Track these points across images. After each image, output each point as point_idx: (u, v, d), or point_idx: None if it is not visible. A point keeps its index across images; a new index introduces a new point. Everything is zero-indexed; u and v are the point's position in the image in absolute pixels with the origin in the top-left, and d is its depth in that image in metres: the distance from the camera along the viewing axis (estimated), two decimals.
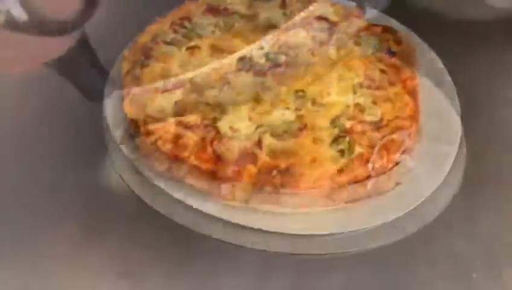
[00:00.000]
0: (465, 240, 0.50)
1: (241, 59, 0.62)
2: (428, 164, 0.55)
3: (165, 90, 0.58)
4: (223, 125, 0.55)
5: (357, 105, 0.57)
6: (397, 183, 0.53)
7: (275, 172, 0.51)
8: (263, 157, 0.52)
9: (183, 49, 0.63)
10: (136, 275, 0.48)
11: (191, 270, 0.48)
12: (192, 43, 0.64)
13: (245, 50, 0.63)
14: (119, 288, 0.47)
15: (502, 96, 0.64)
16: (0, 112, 0.61)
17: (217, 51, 0.63)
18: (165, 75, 0.59)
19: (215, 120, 0.56)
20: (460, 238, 0.50)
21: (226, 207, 0.51)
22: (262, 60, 0.62)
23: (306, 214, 0.51)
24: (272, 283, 0.47)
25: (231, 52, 0.62)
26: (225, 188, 0.51)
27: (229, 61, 0.61)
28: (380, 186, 0.53)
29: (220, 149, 0.53)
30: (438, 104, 0.60)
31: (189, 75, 0.59)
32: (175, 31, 0.66)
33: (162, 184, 0.53)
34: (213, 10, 0.68)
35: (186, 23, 0.67)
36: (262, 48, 0.63)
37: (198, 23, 0.66)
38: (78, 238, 0.50)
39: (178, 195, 0.52)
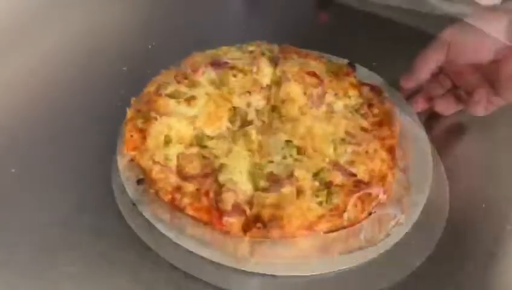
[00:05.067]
0: None
1: (234, 110, 0.69)
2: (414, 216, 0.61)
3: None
4: (224, 177, 0.61)
5: (336, 159, 0.64)
6: (387, 235, 0.59)
7: (259, 224, 0.57)
8: (249, 212, 0.59)
9: (182, 101, 0.69)
10: None
11: None
12: (191, 93, 0.70)
13: (237, 103, 0.69)
14: None
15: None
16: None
17: (212, 102, 0.69)
18: (168, 133, 0.65)
19: (215, 171, 0.61)
20: None
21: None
22: (253, 114, 0.69)
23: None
24: None
25: (225, 105, 0.69)
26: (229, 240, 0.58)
27: (222, 114, 0.68)
28: (371, 238, 0.59)
29: (217, 200, 0.59)
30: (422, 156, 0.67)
31: (188, 131, 0.66)
32: (178, 82, 0.71)
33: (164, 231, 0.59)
34: (215, 64, 0.74)
35: (189, 73, 0.73)
36: (250, 104, 0.70)
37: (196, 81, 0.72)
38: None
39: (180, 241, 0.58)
